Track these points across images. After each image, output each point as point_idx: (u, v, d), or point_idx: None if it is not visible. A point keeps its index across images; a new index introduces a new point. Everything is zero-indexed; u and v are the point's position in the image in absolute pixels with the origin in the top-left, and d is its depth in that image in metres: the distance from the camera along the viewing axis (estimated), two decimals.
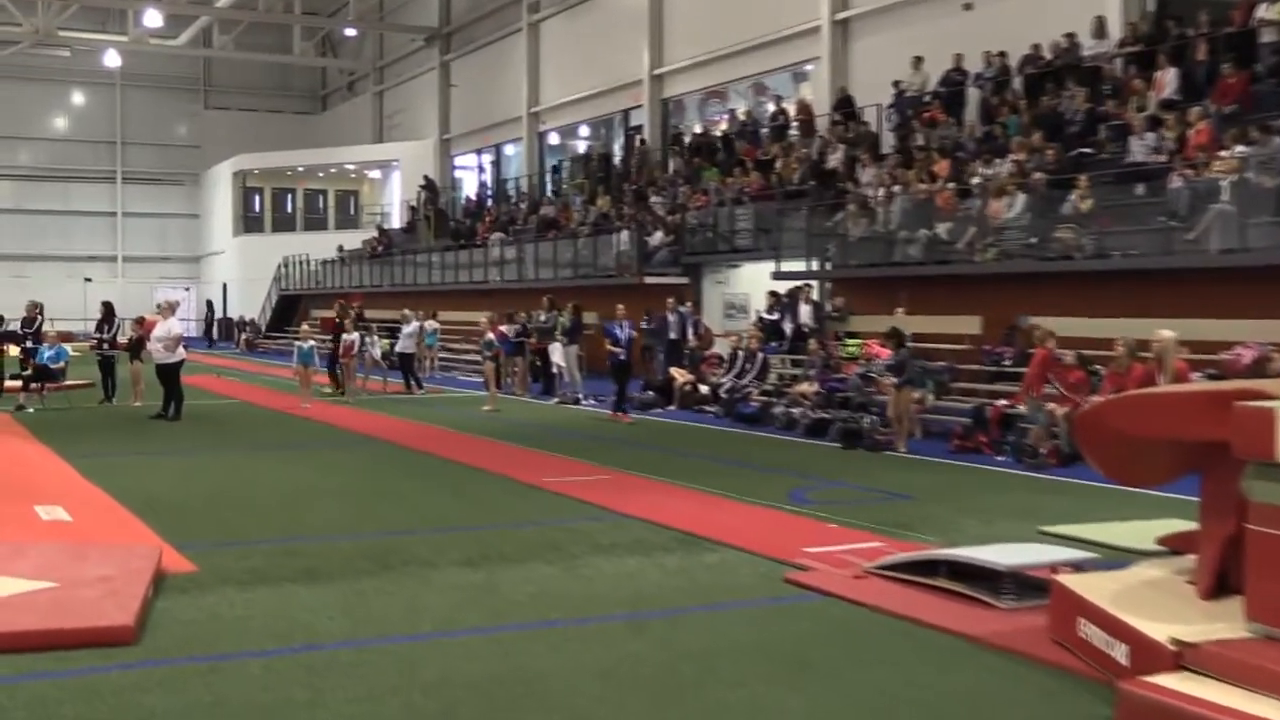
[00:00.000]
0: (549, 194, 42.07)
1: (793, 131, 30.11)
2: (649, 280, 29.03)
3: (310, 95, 67.46)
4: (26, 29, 50.76)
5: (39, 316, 24.84)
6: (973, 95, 24.99)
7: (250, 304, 55.15)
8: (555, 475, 13.77)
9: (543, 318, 26.22)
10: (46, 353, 23.02)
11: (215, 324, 56.24)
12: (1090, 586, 7.00)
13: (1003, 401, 16.78)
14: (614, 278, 30.43)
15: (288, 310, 51.58)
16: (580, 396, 24.20)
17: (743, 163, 29.87)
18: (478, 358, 27.22)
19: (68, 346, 24.36)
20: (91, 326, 26.23)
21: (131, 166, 63.84)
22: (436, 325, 31.03)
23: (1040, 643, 7.02)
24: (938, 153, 23.69)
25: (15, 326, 24.75)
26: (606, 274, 30.95)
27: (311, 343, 23.97)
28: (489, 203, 46.03)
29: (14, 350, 24.97)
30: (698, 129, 36.06)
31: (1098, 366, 15.84)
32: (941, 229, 21.46)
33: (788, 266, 24.77)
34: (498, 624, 7.55)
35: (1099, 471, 8.07)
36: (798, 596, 8.31)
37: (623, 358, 21.08)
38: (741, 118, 32.85)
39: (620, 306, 23.33)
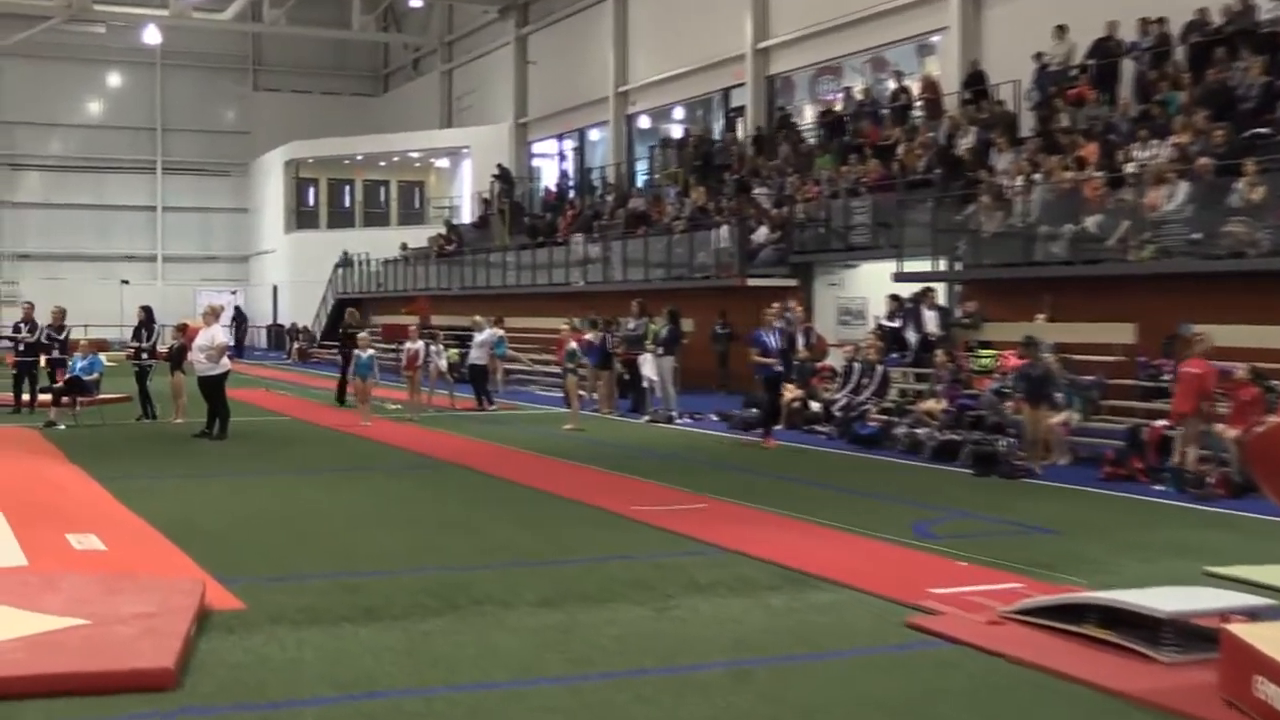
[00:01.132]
0: (638, 185, 42.20)
1: (917, 112, 29.91)
2: (752, 282, 29.00)
3: (370, 75, 68.35)
4: (57, 3, 51.69)
5: (65, 324, 25.45)
6: (1127, 68, 24.64)
7: (303, 309, 55.94)
8: (645, 503, 13.77)
9: (631, 325, 26.28)
10: (79, 363, 23.53)
11: (247, 332, 56.85)
12: (1269, 638, 6.84)
13: (1161, 422, 16.49)
14: (712, 279, 30.43)
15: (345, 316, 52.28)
16: (674, 414, 24.21)
17: (859, 148, 29.73)
18: (557, 370, 27.37)
19: (102, 356, 24.84)
20: (128, 334, 26.73)
21: (172, 156, 65.09)
22: (501, 333, 31.23)
23: (1208, 703, 6.87)
24: (1085, 135, 23.39)
25: (21, 331, 25.28)
26: (704, 275, 30.97)
27: (371, 352, 24.24)
28: (571, 195, 46.28)
29: (43, 361, 25.58)
30: (808, 110, 35.97)
31: (1276, 383, 15.52)
32: (1090, 223, 21.18)
33: (911, 267, 24.57)
34: (579, 672, 7.54)
35: (1278, 504, 7.90)
36: (923, 644, 8.22)
37: (778, 369, 20.63)
38: (858, 97, 32.70)
39: (774, 306, 23.37)
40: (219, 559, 10.55)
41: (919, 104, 30.05)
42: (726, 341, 29.23)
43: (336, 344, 34.12)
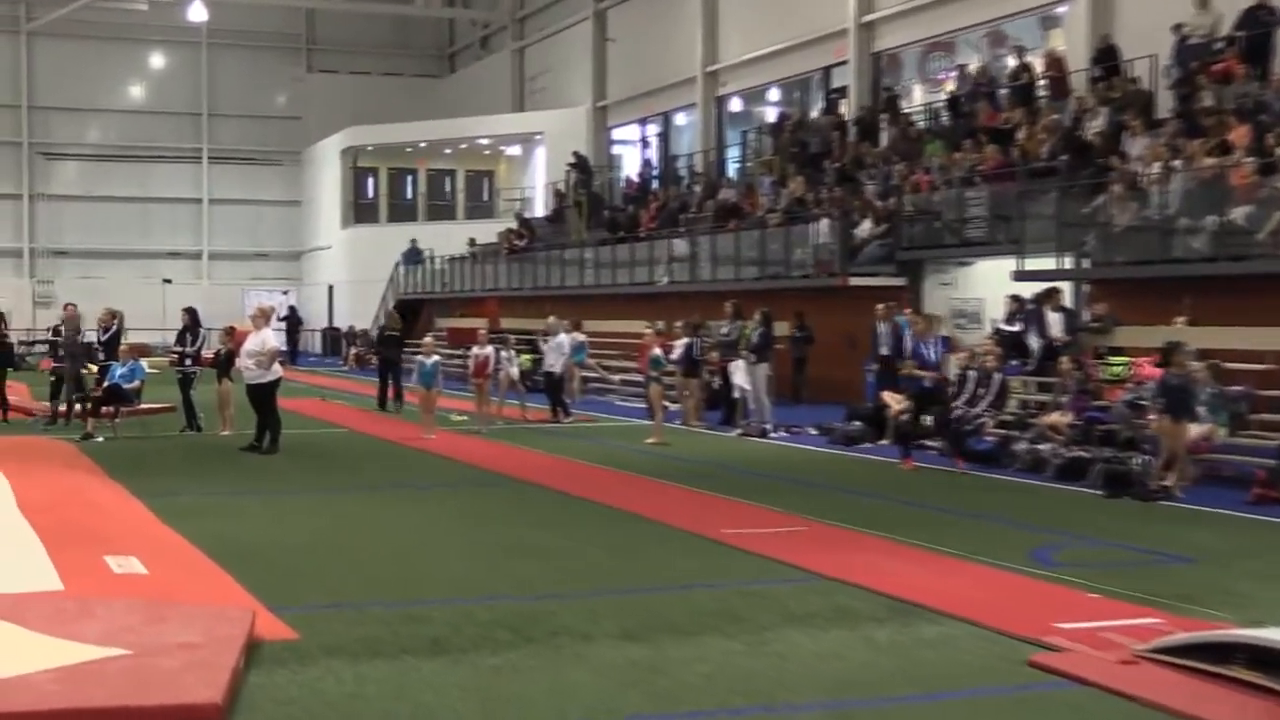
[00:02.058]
0: (729, 174, 42.19)
1: (1040, 92, 29.65)
2: (855, 282, 28.91)
3: (435, 54, 68.84)
4: None
5: (114, 325, 25.80)
6: None
7: (361, 310, 56.41)
8: (737, 526, 13.76)
9: (724, 329, 26.25)
10: (119, 370, 23.87)
11: (301, 336, 57.24)
12: None
13: None
14: (811, 278, 30.37)
15: (407, 318, 52.57)
16: (768, 427, 24.18)
17: (975, 133, 29.52)
18: (638, 378, 27.42)
19: (144, 362, 25.18)
20: (171, 338, 27.08)
21: (220, 143, 65.87)
22: (583, 338, 31.37)
23: None
24: (1233, 116, 23.09)
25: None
26: (802, 274, 30.90)
27: (436, 358, 24.39)
28: (654, 185, 46.35)
29: (93, 368, 25.98)
30: (918, 91, 35.79)
31: None
32: (1237, 215, 20.90)
33: (1033, 264, 24.37)
34: (665, 711, 7.55)
35: None
36: (1046, 684, 8.15)
37: (927, 384, 19.85)
38: (974, 76, 32.48)
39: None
40: (270, 585, 10.65)
41: (1042, 83, 29.79)
42: (804, 346, 29.20)
43: (376, 348, 34.70)
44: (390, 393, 30.05)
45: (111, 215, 64.01)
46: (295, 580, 11.06)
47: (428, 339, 26.34)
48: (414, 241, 53.31)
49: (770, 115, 42.46)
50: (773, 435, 23.90)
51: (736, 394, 25.50)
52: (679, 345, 25.08)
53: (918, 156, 31.06)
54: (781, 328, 27.51)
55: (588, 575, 11.50)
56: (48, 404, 26.30)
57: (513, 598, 10.43)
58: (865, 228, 29.71)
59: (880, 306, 25.86)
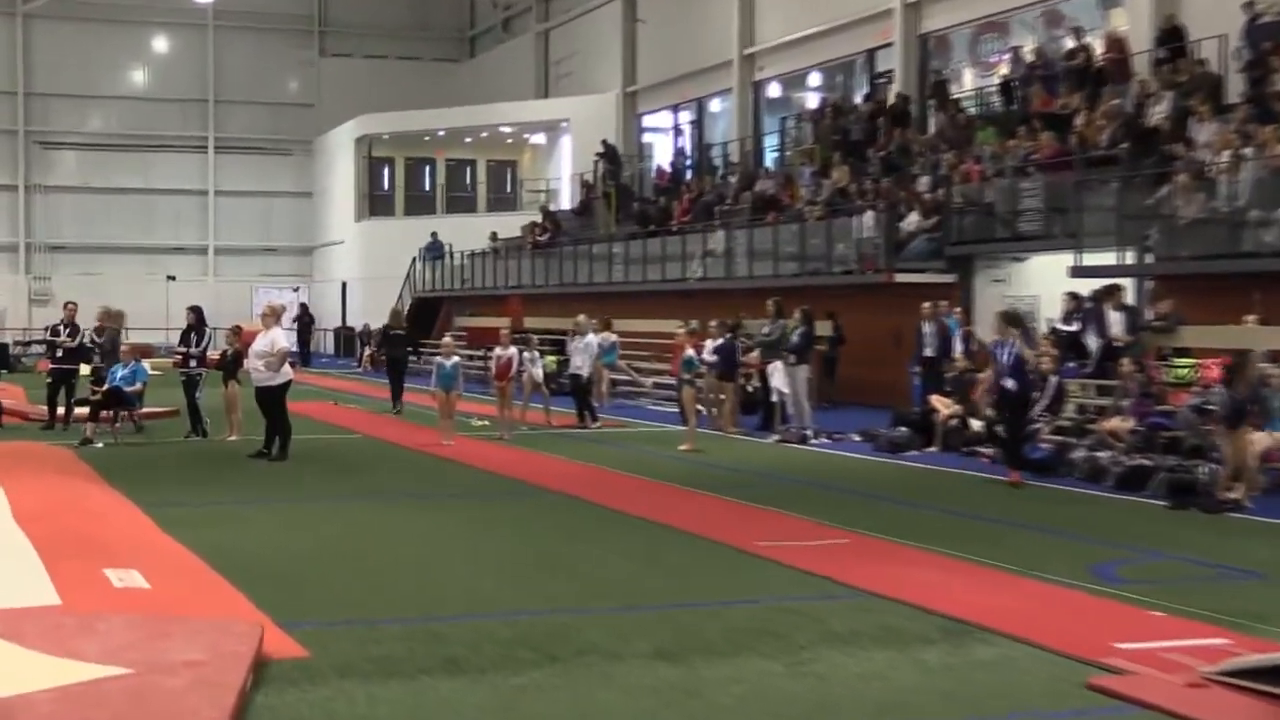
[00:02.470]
0: (767, 164, 42.17)
1: (1099, 76, 29.54)
2: (900, 278, 28.88)
3: (455, 37, 69.05)
4: None
5: (110, 326, 25.97)
6: None
7: (376, 309, 56.49)
8: (775, 537, 13.73)
9: (766, 329, 26.20)
10: (119, 372, 23.99)
11: (313, 336, 57.28)
12: None
13: None
14: (854, 275, 30.33)
15: (425, 317, 52.74)
16: (809, 432, 24.15)
17: (1029, 120, 29.44)
18: (671, 381, 27.40)
19: (146, 364, 25.28)
20: (175, 338, 27.21)
21: (227, 132, 66.20)
22: (615, 338, 31.39)
23: None
24: None
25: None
26: (844, 270, 30.87)
27: (456, 359, 24.39)
28: (688, 176, 46.38)
29: (87, 370, 26.12)
30: (968, 75, 35.70)
31: None
32: None
33: (1092, 260, 24.30)
34: None
35: None
36: (1107, 709, 8.10)
37: (1012, 388, 18.79)
38: (1028, 58, 32.40)
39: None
40: (279, 599, 10.67)
41: (1102, 66, 29.68)
42: (835, 347, 29.17)
43: (382, 348, 35.02)
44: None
45: (112, 208, 64.39)
46: (305, 595, 11.07)
47: (446, 339, 26.38)
48: (435, 235, 53.46)
49: (811, 101, 42.50)
50: (813, 442, 23.87)
51: (775, 398, 25.48)
52: (709, 345, 25.04)
53: (968, 145, 31.00)
54: (823, 327, 27.47)
55: (616, 590, 11.49)
56: (44, 408, 26.41)
57: (536, 613, 10.42)
58: (912, 220, 29.67)
59: (926, 305, 25.86)
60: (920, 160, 32.36)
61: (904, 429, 23.12)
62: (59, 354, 25.92)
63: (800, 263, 32.64)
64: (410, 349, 35.12)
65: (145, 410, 24.53)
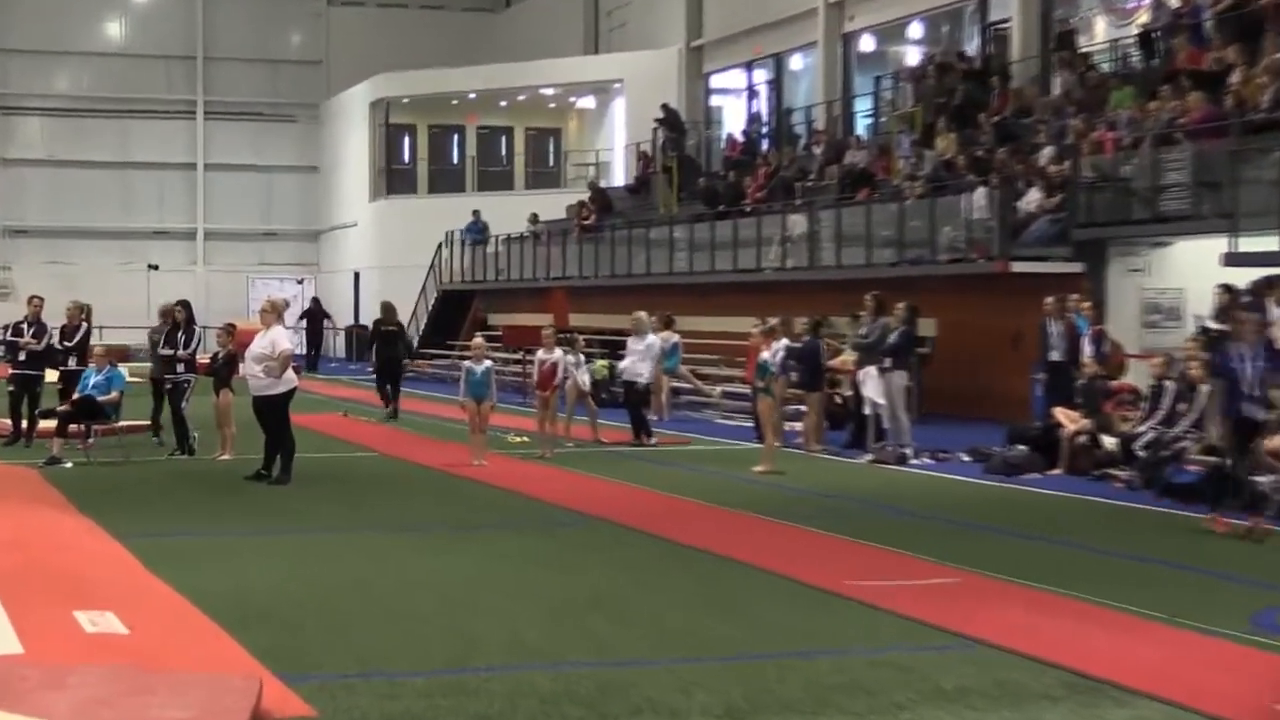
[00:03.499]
0: (859, 132, 42.06)
1: (1260, 24, 29.30)
2: (1018, 267, 28.71)
3: None
4: None
5: (84, 323, 26.07)
6: None
7: (395, 303, 56.53)
8: (868, 576, 13.71)
9: (863, 329, 26.07)
10: (93, 378, 24.04)
11: (323, 336, 56.99)
12: None
13: None
14: (963, 262, 30.19)
15: (452, 314, 52.83)
16: (908, 451, 24.07)
17: (1175, 78, 29.25)
18: (745, 389, 27.33)
19: (124, 369, 25.37)
20: (160, 339, 27.20)
21: (219, 95, 66.48)
22: (677, 339, 31.37)
23: None
24: None
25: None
26: (950, 257, 30.73)
27: (488, 364, 24.40)
28: (764, 146, 46.31)
29: (53, 375, 26.23)
30: (1100, 24, 35.50)
31: None
32: None
33: (1250, 245, 24.11)
34: None
35: None
36: None
37: (1257, 417, 17.42)
38: (1173, 4, 32.19)
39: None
40: (281, 648, 10.71)
41: (1263, 11, 29.43)
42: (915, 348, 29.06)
43: (371, 344, 35.46)
44: (382, 400, 31.99)
45: (84, 184, 64.63)
46: (312, 643, 11.10)
47: (478, 340, 26.39)
48: (476, 214, 53.31)
49: (911, 57, 42.33)
50: (913, 462, 23.79)
51: (868, 410, 25.36)
52: (775, 348, 24.64)
53: (1100, 108, 30.81)
54: (926, 326, 27.37)
55: (679, 637, 11.48)
56: (6, 421, 26.52)
57: (584, 664, 10.43)
58: (1032, 199, 29.53)
59: (1049, 300, 25.68)
60: (1042, 127, 32.19)
61: (1022, 447, 22.98)
62: (22, 357, 26.02)
63: (897, 249, 32.53)
64: (407, 349, 35.76)
65: (123, 423, 24.57)
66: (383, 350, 32.58)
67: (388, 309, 34.36)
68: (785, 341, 25.21)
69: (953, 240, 31.05)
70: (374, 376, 34.13)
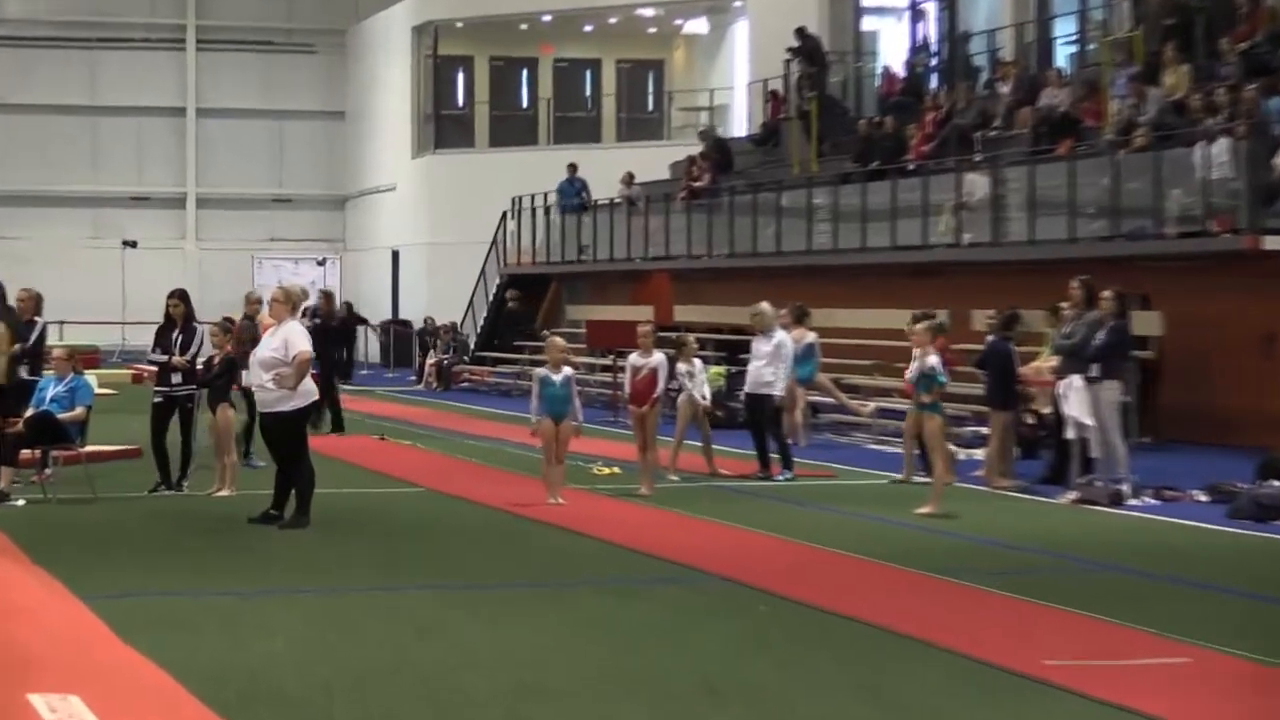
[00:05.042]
0: (1059, 65, 41.86)
1: None
2: (1270, 244, 28.48)
3: None
4: None
5: (37, 319, 26.27)
6: None
7: (445, 294, 56.71)
8: (1072, 654, 13.68)
9: (1065, 329, 25.90)
10: (51, 389, 24.07)
11: (355, 336, 56.59)
12: None
13: None
14: (1199, 237, 30.00)
15: (520, 305, 52.83)
16: (1124, 488, 23.92)
17: None
18: (905, 405, 27.26)
19: (92, 378, 25.47)
20: (139, 336, 27.38)
21: (215, 18, 66.88)
22: (814, 338, 31.26)
23: None
24: None
25: None
26: (1185, 230, 30.52)
27: (569, 371, 24.31)
28: (932, 84, 46.17)
29: None
30: None
31: None
32: None
33: None
34: None
35: None
36: None
37: None
38: None
39: None
40: None
41: None
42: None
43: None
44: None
45: (40, 136, 65.02)
46: None
47: (555, 340, 26.32)
48: (573, 169, 53.31)
49: None
50: (1131, 502, 23.65)
51: (1071, 433, 25.21)
52: (925, 354, 24.32)
53: None
54: (1145, 321, 27.19)
55: None
56: None
57: None
58: None
59: None
60: None
61: (1278, 484, 22.85)
62: None
63: (1111, 220, 32.35)
64: (346, 351, 36.46)
65: (91, 449, 24.70)
66: (324, 349, 32.53)
67: (328, 298, 34.93)
68: (934, 357, 24.62)
69: (1185, 208, 30.88)
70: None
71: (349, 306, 56.77)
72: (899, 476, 26.10)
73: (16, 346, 24.37)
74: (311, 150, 67.25)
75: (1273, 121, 30.04)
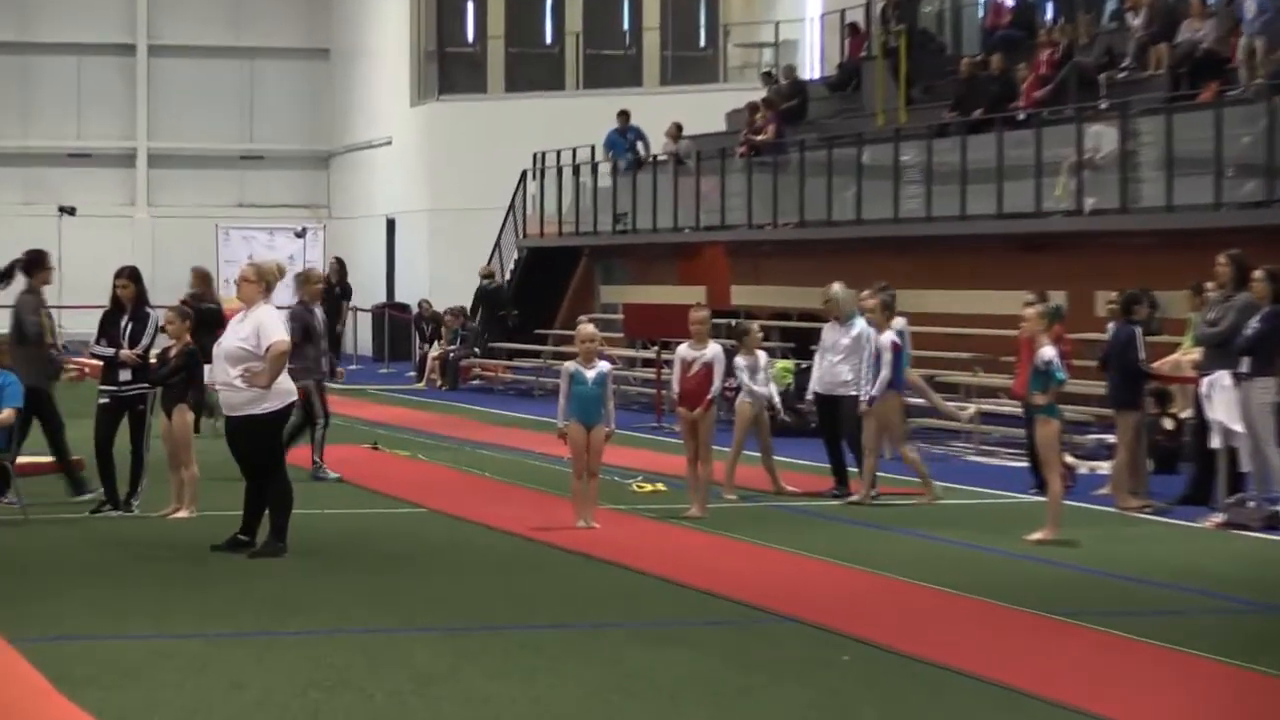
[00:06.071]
0: None
1: None
2: None
3: None
4: None
5: None
6: None
7: (452, 271, 56.80)
8: (1220, 713, 13.67)
9: (1211, 314, 25.86)
10: None
11: (344, 320, 56.31)
12: None
13: None
14: None
15: (541, 285, 52.88)
16: None
17: None
18: (1014, 408, 27.23)
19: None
20: (79, 323, 27.44)
21: None
22: (903, 325, 31.25)
23: None
24: None
25: None
26: None
27: (604, 367, 24.32)
28: (1047, 16, 46.15)
29: None
30: None
31: None
32: None
33: None
34: None
35: None
36: None
37: None
38: None
39: None
40: None
41: None
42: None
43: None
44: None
45: None
46: None
47: (585, 328, 26.26)
48: (625, 116, 53.15)
49: None
50: None
51: (1217, 441, 25.16)
52: (1042, 345, 24.22)
53: None
54: None
55: None
56: None
57: None
58: None
59: None
60: None
61: None
62: None
63: (1266, 182, 32.29)
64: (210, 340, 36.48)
65: (25, 460, 24.78)
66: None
67: (202, 278, 34.76)
68: (1049, 348, 24.44)
69: None
70: None
71: (340, 266, 56.60)
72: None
73: None
74: (289, 97, 67.45)
75: None
